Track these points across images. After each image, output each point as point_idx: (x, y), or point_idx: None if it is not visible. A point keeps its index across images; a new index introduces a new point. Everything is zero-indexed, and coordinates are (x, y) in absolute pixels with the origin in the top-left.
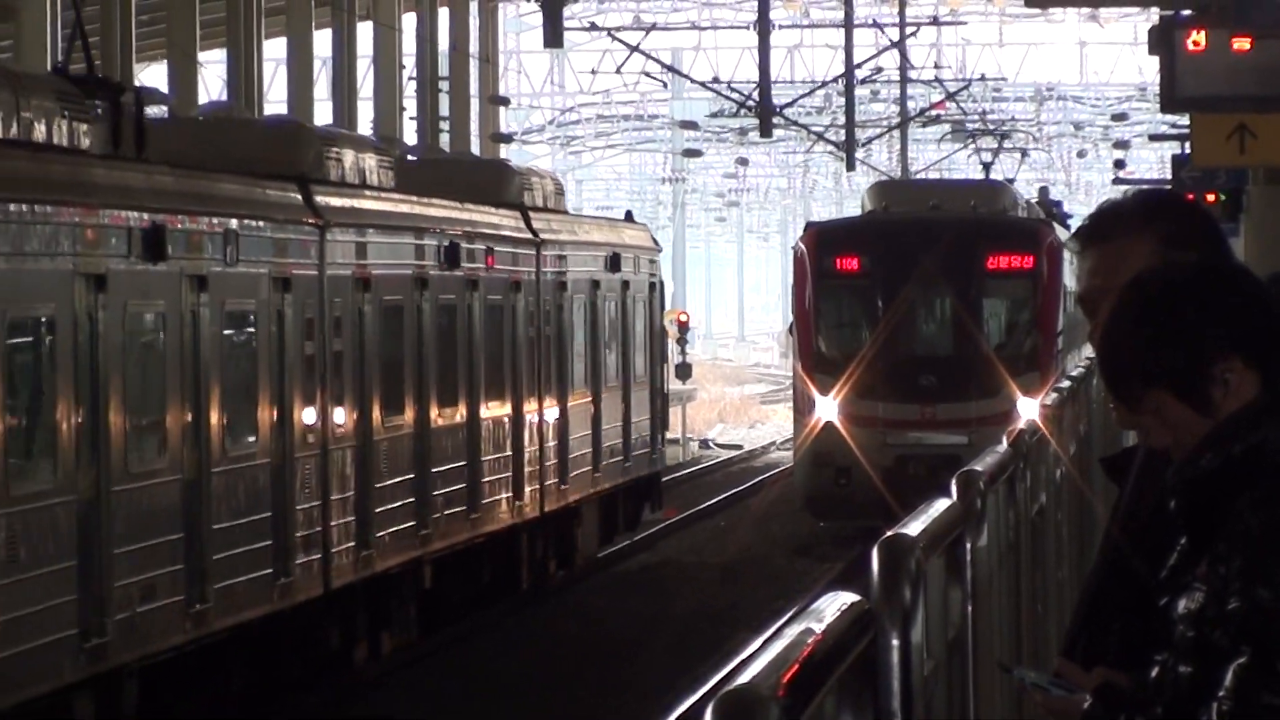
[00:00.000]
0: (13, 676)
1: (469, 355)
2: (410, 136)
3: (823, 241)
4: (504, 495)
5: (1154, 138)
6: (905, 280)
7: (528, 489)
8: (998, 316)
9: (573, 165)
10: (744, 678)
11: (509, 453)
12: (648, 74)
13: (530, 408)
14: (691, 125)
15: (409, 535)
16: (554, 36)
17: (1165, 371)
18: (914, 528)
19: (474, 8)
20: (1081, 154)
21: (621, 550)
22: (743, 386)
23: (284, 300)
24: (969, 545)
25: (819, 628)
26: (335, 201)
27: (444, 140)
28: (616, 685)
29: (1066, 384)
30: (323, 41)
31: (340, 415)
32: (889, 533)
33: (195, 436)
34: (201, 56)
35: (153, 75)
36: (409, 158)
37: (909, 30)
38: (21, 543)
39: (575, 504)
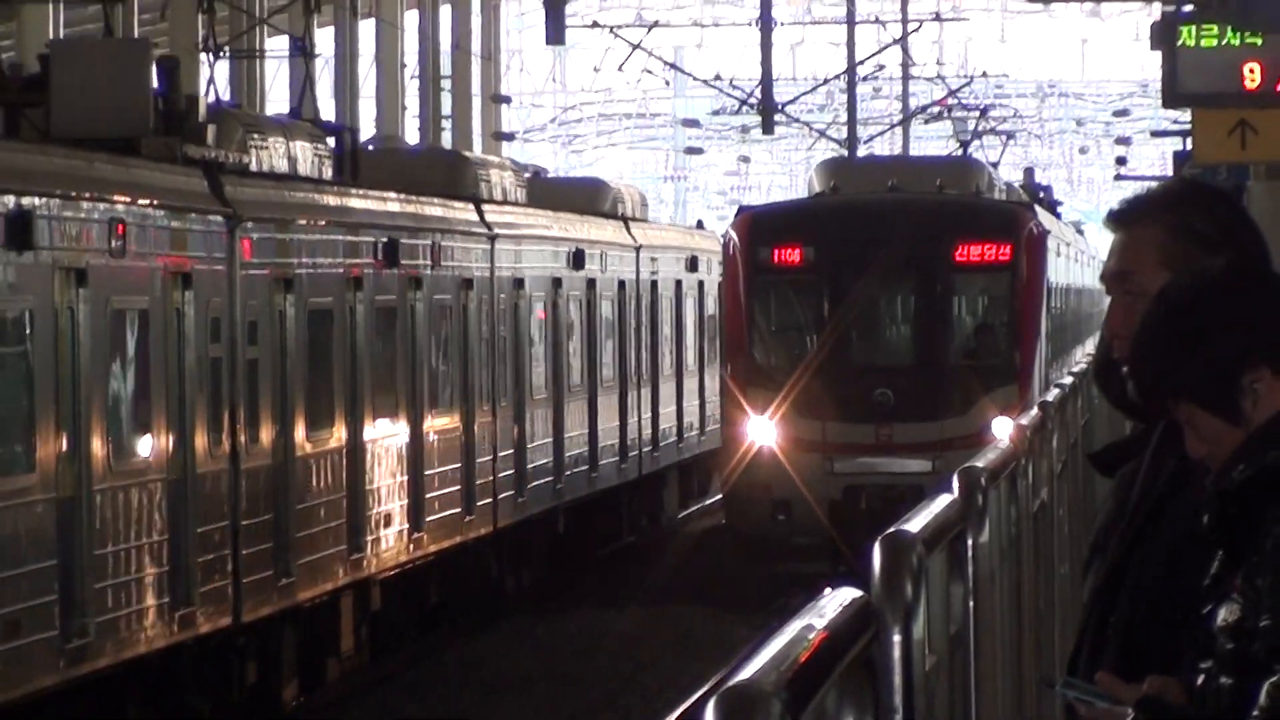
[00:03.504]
0: (316, 574)
1: (590, 345)
2: (412, 135)
3: (758, 229)
4: (614, 459)
5: (1155, 134)
6: (857, 275)
7: (630, 454)
8: (968, 318)
9: (574, 164)
10: (745, 674)
11: (617, 423)
12: (649, 71)
13: (633, 387)
14: (693, 123)
15: (549, 488)
16: (556, 34)
17: (1192, 385)
18: (915, 524)
19: (476, 5)
20: (1083, 150)
21: (624, 549)
22: None
23: (467, 296)
24: (970, 541)
25: (820, 624)
26: (499, 217)
27: (446, 139)
28: (618, 682)
29: (1049, 399)
30: (325, 39)
31: (506, 389)
32: (891, 529)
33: (412, 405)
34: (203, 55)
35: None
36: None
37: (911, 27)
38: (314, 481)
39: (664, 470)
